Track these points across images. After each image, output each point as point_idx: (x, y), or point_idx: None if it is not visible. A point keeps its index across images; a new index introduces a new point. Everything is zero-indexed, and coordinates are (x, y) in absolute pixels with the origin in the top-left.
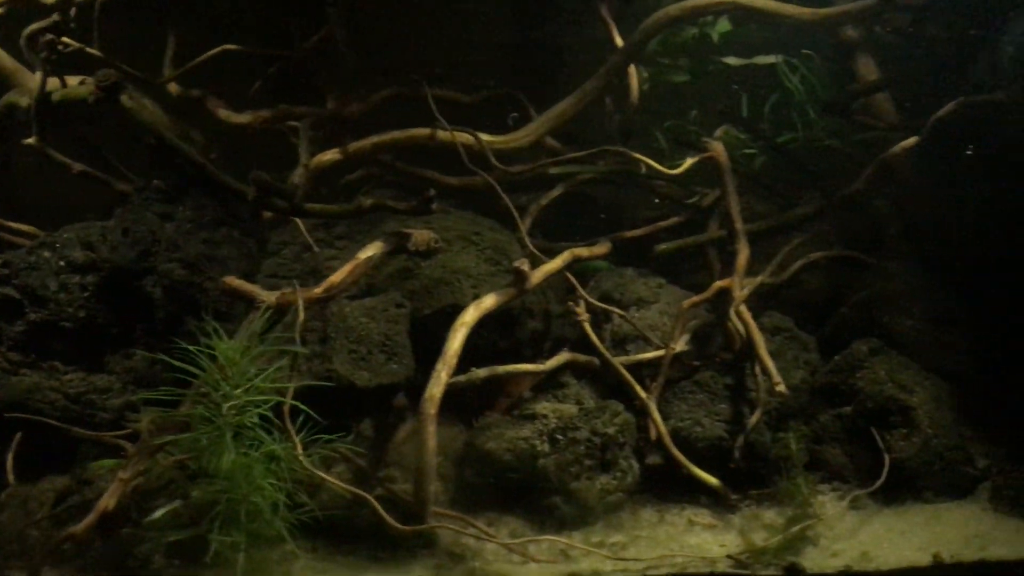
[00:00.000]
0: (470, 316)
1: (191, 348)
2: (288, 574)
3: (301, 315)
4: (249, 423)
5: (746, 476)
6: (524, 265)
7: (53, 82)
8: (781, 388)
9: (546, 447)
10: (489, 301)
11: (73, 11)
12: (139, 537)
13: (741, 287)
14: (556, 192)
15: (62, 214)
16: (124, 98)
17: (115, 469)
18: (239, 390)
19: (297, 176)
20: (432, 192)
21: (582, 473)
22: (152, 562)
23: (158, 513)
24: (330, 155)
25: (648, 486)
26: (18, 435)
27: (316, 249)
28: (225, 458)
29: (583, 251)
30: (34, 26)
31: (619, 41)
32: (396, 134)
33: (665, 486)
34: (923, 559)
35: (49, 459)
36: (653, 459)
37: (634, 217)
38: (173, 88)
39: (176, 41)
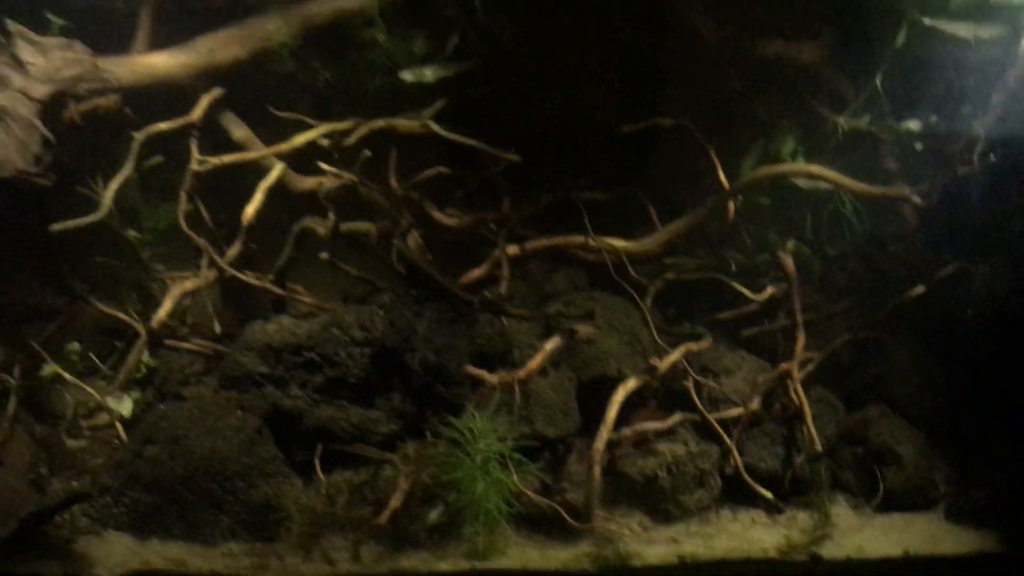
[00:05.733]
0: (620, 395)
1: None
2: (505, 546)
3: (517, 395)
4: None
5: (791, 490)
6: (656, 362)
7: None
8: (818, 448)
9: (664, 474)
10: (631, 383)
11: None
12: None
13: (798, 370)
14: (667, 277)
15: None
16: (396, 242)
17: (397, 475)
18: (483, 444)
19: (503, 288)
20: (594, 309)
21: (687, 490)
22: (422, 538)
23: (433, 515)
24: (513, 250)
25: (727, 494)
26: (320, 446)
27: (505, 322)
28: (478, 487)
29: (693, 346)
30: (327, 186)
31: (725, 182)
32: (560, 239)
33: (736, 495)
34: (896, 552)
35: (337, 458)
36: (729, 470)
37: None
38: (398, 192)
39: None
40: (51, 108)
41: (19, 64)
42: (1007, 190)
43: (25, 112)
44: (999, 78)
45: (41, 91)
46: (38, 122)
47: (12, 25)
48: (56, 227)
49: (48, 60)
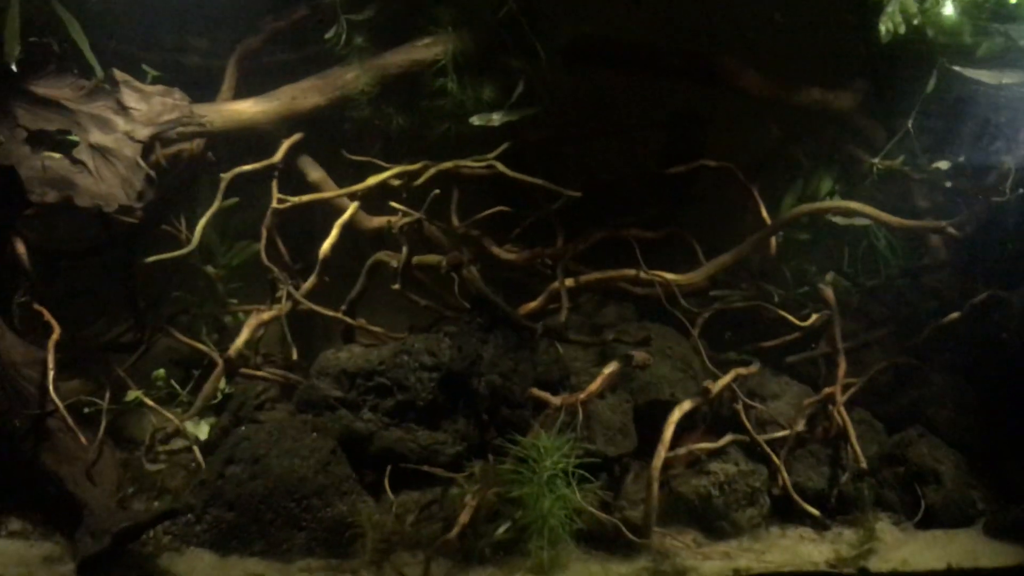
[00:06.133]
0: (675, 416)
1: (520, 440)
2: (568, 561)
3: (580, 416)
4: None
5: (836, 508)
6: (709, 384)
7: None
8: (863, 465)
9: (717, 492)
10: (686, 405)
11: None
12: (476, 539)
13: (841, 393)
14: (715, 307)
15: None
16: (464, 271)
17: (464, 494)
18: (549, 462)
19: (563, 315)
20: (649, 336)
21: (739, 508)
22: (488, 554)
23: (500, 530)
24: (569, 283)
25: (775, 512)
26: (389, 467)
27: (561, 351)
28: (545, 503)
29: (743, 370)
30: (401, 221)
31: (767, 218)
32: (613, 272)
33: (785, 512)
34: (940, 565)
35: (403, 479)
36: (777, 491)
37: (770, 323)
38: (458, 229)
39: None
40: (152, 149)
41: (124, 109)
42: None
43: (129, 153)
44: None
45: (144, 133)
46: (141, 162)
47: (119, 74)
48: (151, 259)
49: (150, 105)
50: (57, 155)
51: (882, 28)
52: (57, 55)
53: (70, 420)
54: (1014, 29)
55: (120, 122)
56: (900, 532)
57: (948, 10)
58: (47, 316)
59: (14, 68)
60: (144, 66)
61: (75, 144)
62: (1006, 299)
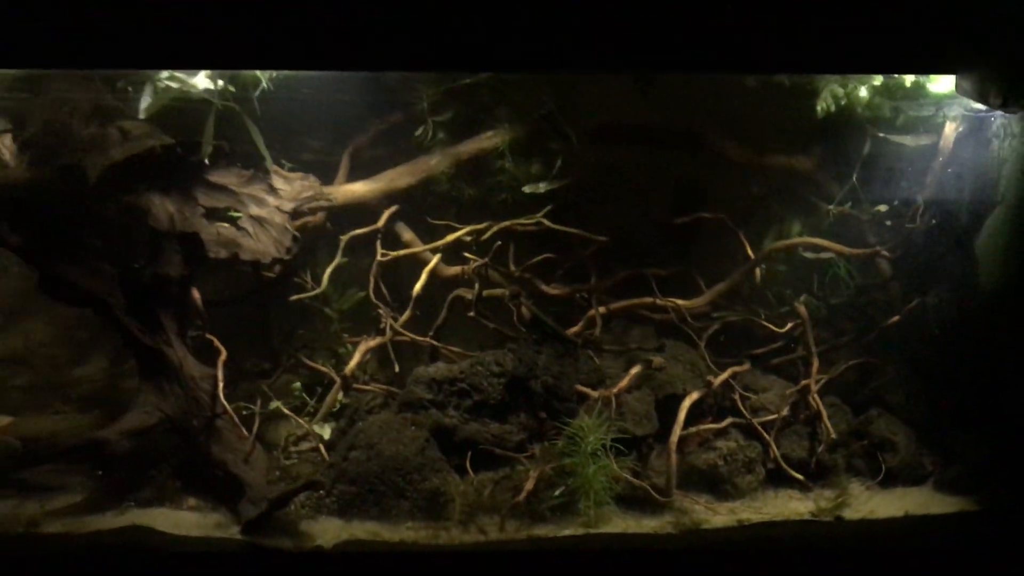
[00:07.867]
0: (687, 403)
1: (569, 422)
2: (610, 517)
3: (613, 405)
4: (595, 451)
5: (816, 473)
6: (711, 379)
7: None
8: (833, 436)
9: (722, 463)
10: (695, 395)
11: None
12: (539, 502)
13: (815, 384)
14: (716, 325)
15: None
16: (523, 301)
17: (527, 470)
18: (591, 439)
19: (597, 331)
20: (664, 344)
21: (740, 475)
22: (547, 515)
23: (556, 494)
24: (601, 310)
25: (768, 478)
26: (469, 452)
27: (597, 361)
28: (590, 471)
29: (738, 368)
30: (473, 267)
31: (751, 254)
32: (635, 300)
33: (776, 478)
34: (899, 513)
35: (480, 462)
36: (769, 463)
37: (759, 336)
38: (515, 272)
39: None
40: (295, 218)
41: (273, 190)
42: (941, 238)
43: (279, 220)
44: (929, 165)
45: (289, 207)
46: (289, 226)
47: (271, 165)
48: (294, 298)
49: (292, 187)
50: (226, 224)
51: (818, 108)
52: (226, 152)
53: (235, 418)
54: (904, 104)
55: (271, 199)
56: (867, 491)
57: (863, 93)
58: (216, 343)
59: (207, 162)
60: (283, 160)
61: (239, 216)
62: (926, 303)
